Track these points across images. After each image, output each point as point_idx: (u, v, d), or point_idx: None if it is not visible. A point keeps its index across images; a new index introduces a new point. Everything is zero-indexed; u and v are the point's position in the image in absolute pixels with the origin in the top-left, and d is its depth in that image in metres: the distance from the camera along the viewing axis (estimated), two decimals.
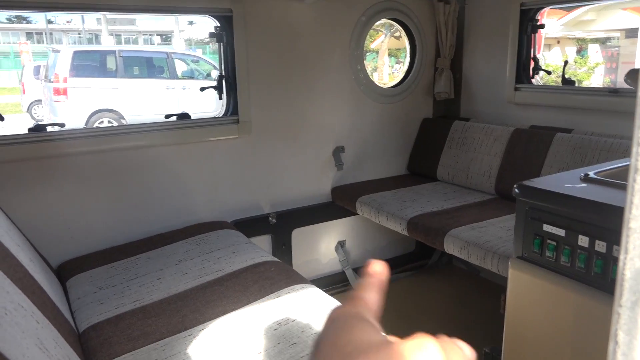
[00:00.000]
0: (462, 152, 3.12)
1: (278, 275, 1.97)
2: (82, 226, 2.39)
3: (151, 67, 12.01)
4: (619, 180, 1.33)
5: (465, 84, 3.44)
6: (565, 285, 1.29)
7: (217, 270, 2.05)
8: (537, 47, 3.14)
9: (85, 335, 1.70)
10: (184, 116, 2.68)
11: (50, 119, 10.65)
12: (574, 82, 2.86)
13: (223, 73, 2.75)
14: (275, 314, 1.69)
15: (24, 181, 2.24)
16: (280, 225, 2.95)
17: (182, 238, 2.38)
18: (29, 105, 13.09)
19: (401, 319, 2.89)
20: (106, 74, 11.14)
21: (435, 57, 3.44)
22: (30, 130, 2.30)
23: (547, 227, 1.32)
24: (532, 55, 3.09)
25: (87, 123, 10.11)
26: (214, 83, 2.77)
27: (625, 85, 2.60)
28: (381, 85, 3.37)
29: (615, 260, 1.18)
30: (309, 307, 1.73)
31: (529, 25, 3.04)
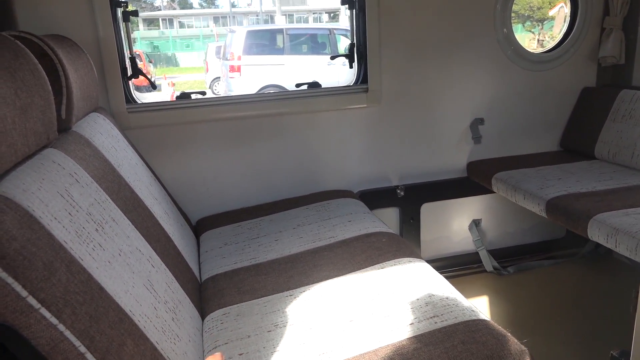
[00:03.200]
0: (629, 126, 2.66)
1: (388, 246, 1.91)
2: (218, 187, 2.61)
3: (315, 43, 12.50)
4: None
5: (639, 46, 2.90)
6: None
7: (330, 237, 2.07)
8: None
9: (205, 284, 1.86)
10: (314, 85, 2.72)
11: (226, 94, 11.78)
12: None
13: (354, 41, 2.71)
14: (375, 285, 1.65)
15: (171, 144, 2.50)
16: (409, 199, 2.86)
17: (305, 204, 2.45)
18: (211, 82, 14.59)
19: (532, 309, 2.62)
20: (275, 51, 11.91)
21: (603, 15, 2.96)
22: (177, 97, 2.55)
23: None
24: None
25: None
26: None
27: None
28: (535, 51, 3.01)
29: None
30: (410, 282, 1.65)
31: None
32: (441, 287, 1.61)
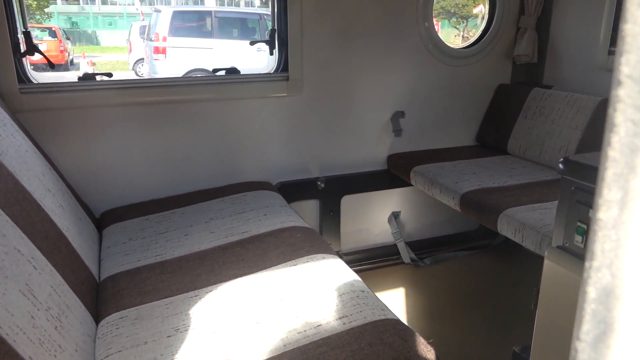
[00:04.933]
0: (539, 123, 2.76)
1: (302, 242, 1.85)
2: (127, 177, 2.43)
3: (245, 28, 12.20)
4: None
5: (551, 46, 3.02)
6: None
7: (243, 231, 1.98)
8: None
9: (103, 284, 1.71)
10: (232, 71, 2.60)
11: (150, 76, 11.23)
12: None
13: (275, 27, 2.61)
14: (286, 284, 1.59)
15: (73, 129, 2.29)
16: (329, 191, 2.82)
17: (220, 196, 2.34)
18: (134, 63, 13.87)
19: (446, 300, 2.68)
20: (202, 34, 11.48)
21: (518, 15, 3.05)
22: (79, 78, 2.34)
23: None
24: None
25: None
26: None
27: None
28: (453, 46, 3.06)
29: None
30: (322, 280, 1.60)
31: None
32: (353, 285, 1.58)
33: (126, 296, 1.60)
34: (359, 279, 1.63)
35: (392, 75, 2.85)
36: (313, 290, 1.54)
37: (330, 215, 2.87)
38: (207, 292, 1.58)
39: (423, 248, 3.17)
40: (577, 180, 1.09)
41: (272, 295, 1.53)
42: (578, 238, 1.10)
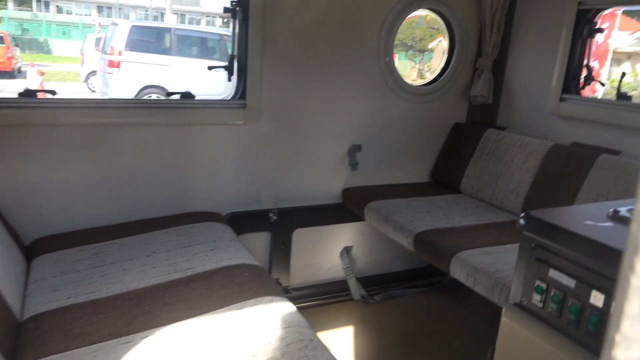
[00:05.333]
0: (492, 164, 2.79)
1: (250, 282, 1.75)
2: (64, 203, 2.25)
3: (204, 47, 12.06)
4: None
5: (506, 89, 3.09)
6: (569, 350, 1.00)
7: (187, 267, 1.85)
8: (591, 54, 2.76)
9: (25, 325, 1.54)
10: (187, 95, 2.49)
11: (102, 90, 10.87)
12: (630, 97, 2.48)
13: (235, 52, 2.54)
14: (231, 330, 1.48)
15: (6, 149, 2.12)
16: (281, 223, 2.73)
17: (165, 227, 2.20)
18: (87, 75, 13.43)
19: (398, 340, 2.62)
20: (160, 51, 11.25)
21: (476, 56, 3.11)
22: (20, 95, 2.17)
23: (554, 274, 1.04)
24: (585, 63, 2.72)
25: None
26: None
27: None
28: (412, 83, 3.07)
29: None
30: (270, 326, 1.50)
31: (585, 29, 2.66)
32: (302, 333, 1.48)
33: (49, 341, 1.44)
34: (308, 325, 1.54)
35: (351, 108, 2.82)
36: (259, 339, 1.43)
37: (281, 249, 2.78)
38: (142, 338, 1.44)
39: (374, 284, 3.11)
40: (538, 238, 1.06)
41: (214, 344, 1.41)
42: (537, 297, 1.07)
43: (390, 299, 3.03)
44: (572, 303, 0.99)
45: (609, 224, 1.04)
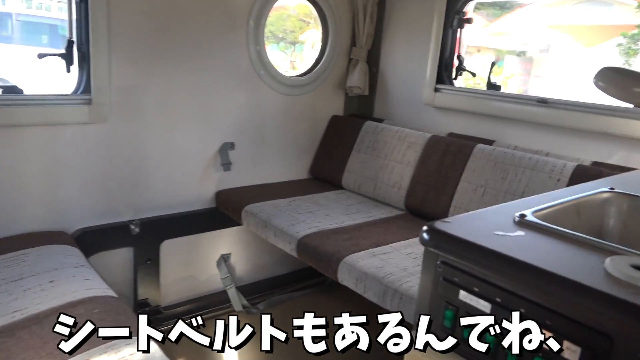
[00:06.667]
0: (372, 157, 2.69)
1: (100, 321, 1.41)
2: None
3: (55, 36, 10.75)
4: (562, 229, 0.92)
5: (381, 79, 3.01)
6: None
7: (15, 310, 1.45)
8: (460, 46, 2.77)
9: None
10: (12, 90, 2.01)
11: None
12: (499, 87, 2.52)
13: (73, 37, 2.11)
14: None
15: None
16: (146, 236, 2.37)
17: None
18: None
19: (287, 350, 2.41)
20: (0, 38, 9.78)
21: (350, 46, 2.99)
22: None
23: (464, 296, 0.88)
24: (456, 54, 2.72)
25: None
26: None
27: (554, 96, 2.29)
28: (286, 74, 2.85)
29: None
30: None
31: (455, 19, 2.65)
32: None
33: None
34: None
35: (221, 103, 2.53)
36: None
37: (148, 264, 2.41)
38: None
39: (256, 292, 2.87)
40: (444, 255, 0.91)
41: None
42: (446, 323, 0.91)
43: (274, 306, 2.81)
44: (488, 331, 0.84)
45: (519, 232, 0.92)
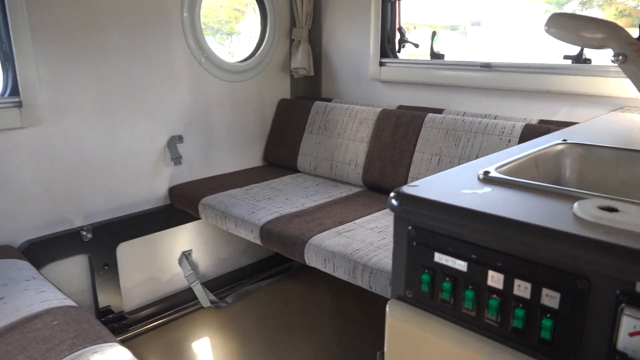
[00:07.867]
0: (325, 138, 2.67)
1: (62, 332, 1.33)
2: None
3: None
4: (527, 181, 0.93)
5: (325, 59, 2.99)
6: (470, 343, 0.86)
7: None
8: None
9: None
10: None
11: None
12: (443, 55, 2.54)
13: None
14: None
15: None
16: (100, 241, 2.26)
17: None
18: None
19: (260, 339, 2.39)
20: None
21: (290, 27, 2.94)
22: None
23: (440, 257, 0.88)
24: (397, 26, 2.73)
25: None
26: None
27: (497, 60, 2.33)
28: (228, 60, 2.77)
29: (545, 310, 0.76)
30: None
31: None
32: None
33: None
34: None
35: (163, 95, 2.43)
36: None
37: (105, 270, 2.31)
38: None
39: (223, 285, 2.81)
40: (415, 219, 0.90)
41: None
42: (424, 287, 0.90)
43: (243, 298, 2.77)
44: (467, 289, 0.84)
45: (487, 188, 0.92)
